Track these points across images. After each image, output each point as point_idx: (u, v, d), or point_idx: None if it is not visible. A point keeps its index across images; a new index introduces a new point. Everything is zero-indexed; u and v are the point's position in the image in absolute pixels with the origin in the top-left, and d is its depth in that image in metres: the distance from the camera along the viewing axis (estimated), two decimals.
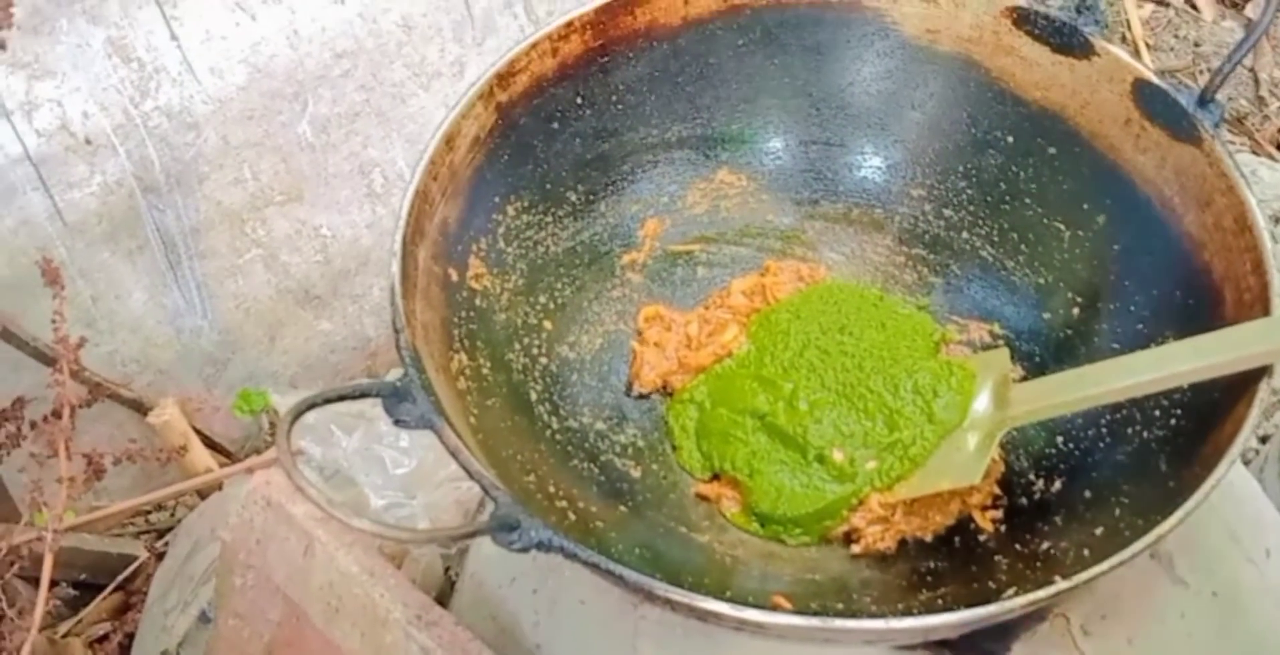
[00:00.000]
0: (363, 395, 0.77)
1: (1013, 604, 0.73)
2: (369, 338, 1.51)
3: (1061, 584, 0.72)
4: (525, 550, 0.72)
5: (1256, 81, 2.04)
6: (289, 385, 1.48)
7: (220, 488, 1.34)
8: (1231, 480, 1.00)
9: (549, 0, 1.46)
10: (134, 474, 1.45)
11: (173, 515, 1.50)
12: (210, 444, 1.46)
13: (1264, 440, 1.48)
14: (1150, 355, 0.85)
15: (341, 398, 0.76)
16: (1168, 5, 2.18)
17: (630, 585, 0.72)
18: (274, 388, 1.46)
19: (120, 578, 1.40)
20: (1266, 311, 0.81)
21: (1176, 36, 2.11)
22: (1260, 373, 0.79)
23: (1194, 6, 2.17)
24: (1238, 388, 0.80)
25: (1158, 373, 0.83)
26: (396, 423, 0.77)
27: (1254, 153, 1.93)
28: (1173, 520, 0.74)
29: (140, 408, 1.40)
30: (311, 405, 0.75)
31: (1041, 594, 0.73)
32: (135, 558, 1.40)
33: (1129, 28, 2.14)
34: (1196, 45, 2.10)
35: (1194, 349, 0.82)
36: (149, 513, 1.50)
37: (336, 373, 1.51)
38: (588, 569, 0.74)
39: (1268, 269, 0.83)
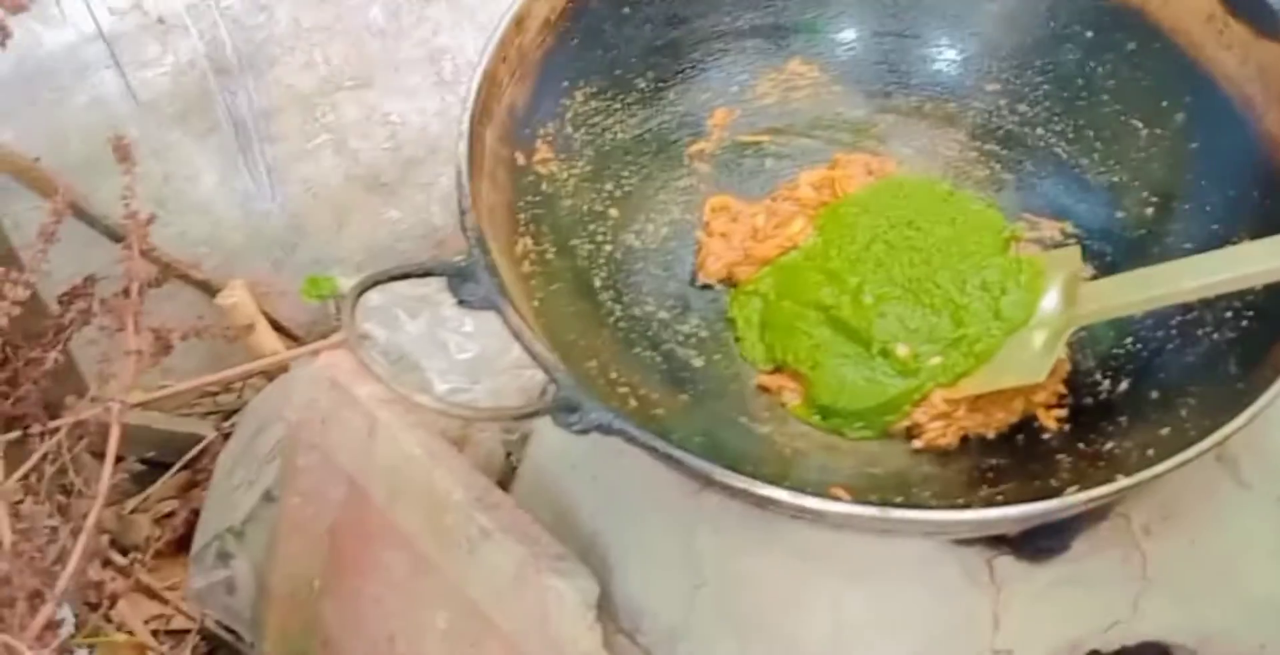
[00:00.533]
0: (427, 274, 0.78)
1: (1074, 499, 0.72)
2: (436, 227, 1.52)
3: (1123, 481, 0.72)
4: (585, 432, 0.73)
5: None
6: (356, 271, 1.49)
7: (287, 370, 1.36)
8: None
9: None
10: (201, 355, 1.47)
11: (240, 397, 1.52)
12: (278, 327, 1.48)
13: None
14: (1222, 255, 0.84)
15: (407, 276, 0.77)
16: None
17: (690, 470, 0.73)
18: (341, 273, 1.47)
19: (187, 457, 1.43)
20: None
21: None
22: None
23: None
24: None
25: (1230, 273, 0.81)
26: (460, 303, 0.78)
27: None
28: (1240, 420, 0.74)
29: (209, 289, 1.41)
30: (376, 282, 0.75)
31: (1103, 490, 0.72)
32: (202, 437, 1.43)
33: None
34: None
35: (1267, 249, 0.80)
36: (216, 394, 1.53)
37: (403, 260, 1.51)
38: (647, 453, 0.74)
39: None
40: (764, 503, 0.74)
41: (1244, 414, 0.74)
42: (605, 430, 0.72)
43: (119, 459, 1.07)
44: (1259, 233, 0.83)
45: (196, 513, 1.32)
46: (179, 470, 1.43)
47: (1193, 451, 0.73)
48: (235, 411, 1.47)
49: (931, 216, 0.98)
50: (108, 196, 1.22)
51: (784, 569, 0.89)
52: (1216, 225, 0.91)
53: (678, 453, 0.72)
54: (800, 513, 0.74)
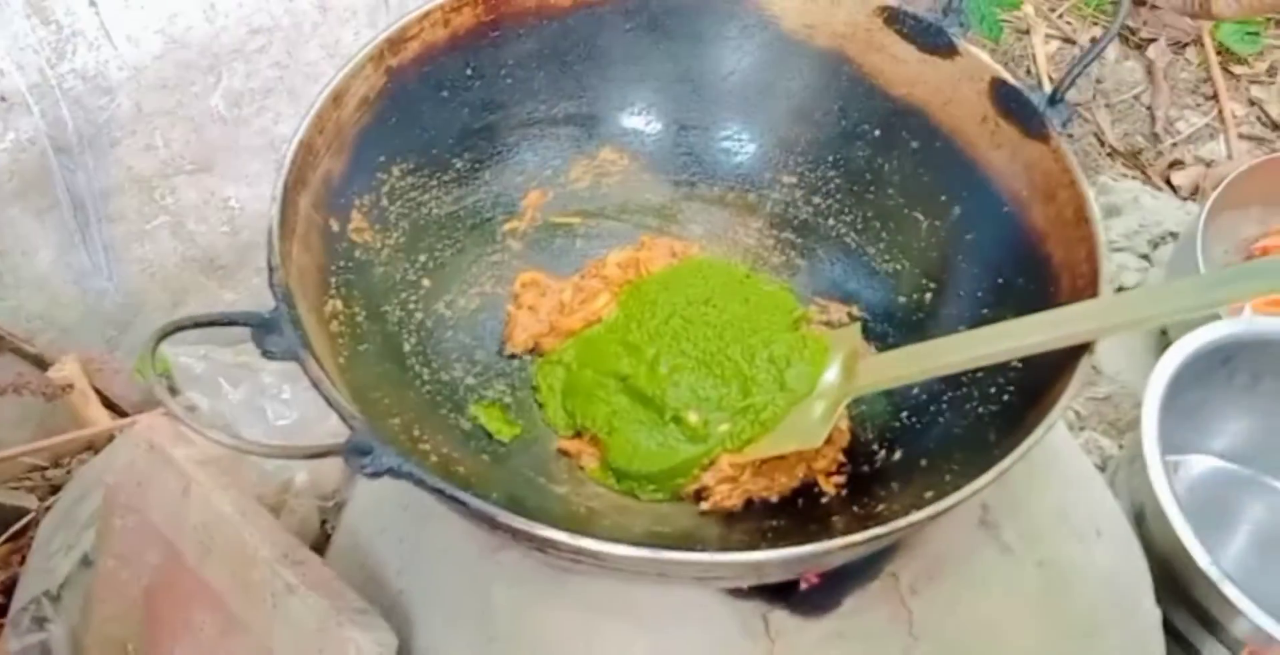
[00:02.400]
0: (231, 322, 0.80)
1: (830, 545, 0.76)
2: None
3: (875, 530, 0.76)
4: (377, 475, 0.75)
5: (1153, 119, 2.11)
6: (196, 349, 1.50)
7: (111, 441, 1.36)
8: (1071, 468, 1.06)
9: None
10: (33, 431, 1.47)
11: (68, 473, 1.52)
12: (109, 405, 1.48)
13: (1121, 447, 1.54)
14: (986, 332, 0.90)
15: (211, 323, 0.79)
16: (1074, 43, 2.25)
17: (472, 511, 0.75)
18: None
19: (12, 529, 1.41)
20: (1095, 295, 0.86)
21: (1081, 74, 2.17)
22: (1083, 349, 0.83)
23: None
24: (1063, 364, 0.84)
25: (987, 348, 0.87)
26: (264, 353, 0.80)
27: (1144, 183, 1.99)
28: (985, 478, 0.78)
29: (41, 363, 1.42)
30: (179, 327, 0.78)
31: (856, 538, 0.76)
32: (28, 510, 1.42)
33: (1035, 62, 2.21)
34: (1098, 82, 2.17)
35: (1021, 327, 0.87)
36: (45, 469, 1.52)
37: (239, 343, 1.53)
38: (437, 499, 0.77)
39: (1099, 257, 0.87)
40: (545, 545, 0.76)
41: (990, 472, 0.78)
42: (395, 473, 0.75)
43: None
44: (1022, 314, 0.89)
45: (12, 586, 1.32)
46: (3, 541, 1.41)
47: (941, 505, 0.77)
48: (63, 486, 1.46)
49: (727, 296, 1.03)
50: None
51: (573, 621, 0.92)
52: (986, 309, 0.97)
53: (462, 495, 0.74)
54: (579, 556, 0.77)
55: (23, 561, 1.35)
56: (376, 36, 0.95)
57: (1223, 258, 1.75)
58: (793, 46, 1.07)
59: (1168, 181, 2.01)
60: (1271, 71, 2.19)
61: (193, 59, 1.33)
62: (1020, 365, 0.90)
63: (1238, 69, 2.19)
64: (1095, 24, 2.32)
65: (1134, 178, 2.02)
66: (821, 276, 1.08)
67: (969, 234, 1.01)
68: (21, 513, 1.41)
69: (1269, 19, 2.30)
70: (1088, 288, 0.87)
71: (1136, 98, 2.15)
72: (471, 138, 1.05)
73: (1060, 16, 2.32)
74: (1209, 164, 2.02)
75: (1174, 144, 2.07)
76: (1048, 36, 2.26)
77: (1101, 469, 1.52)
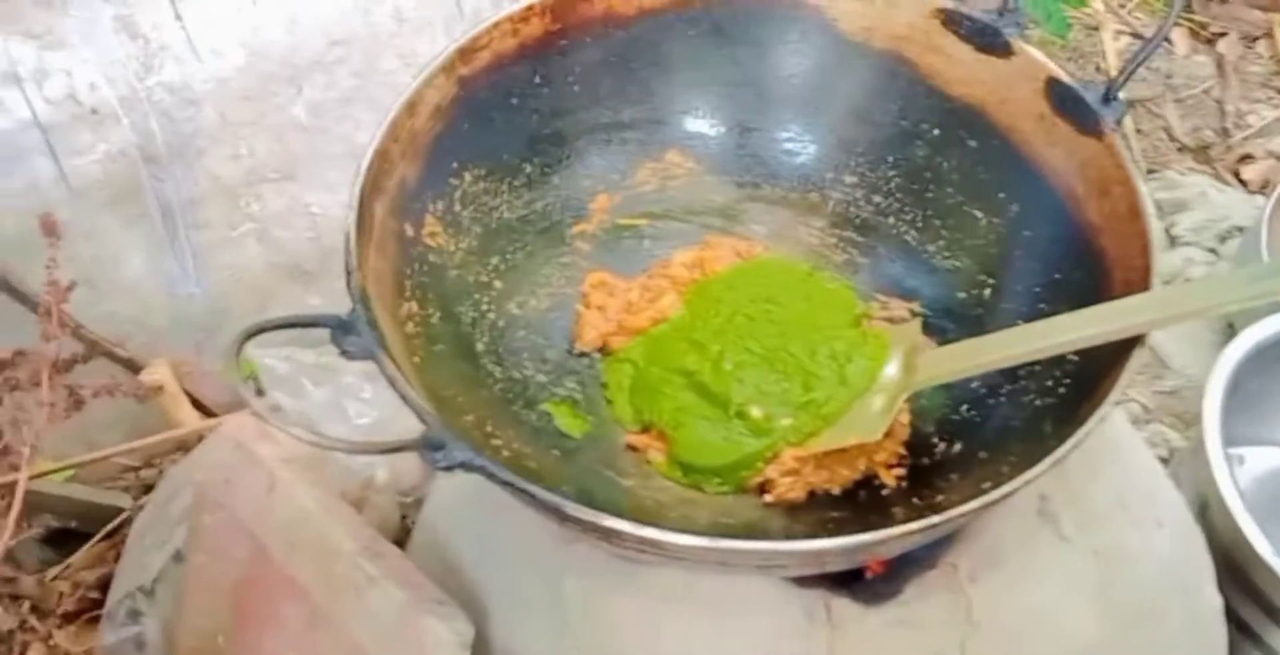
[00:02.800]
0: (313, 324, 0.84)
1: (888, 533, 0.78)
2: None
3: (931, 519, 0.78)
4: (450, 469, 0.78)
5: (1222, 113, 2.10)
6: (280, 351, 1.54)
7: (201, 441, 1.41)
8: (1132, 460, 1.07)
9: None
10: (126, 432, 1.52)
11: (160, 473, 1.57)
12: (199, 406, 1.53)
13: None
14: (1041, 325, 0.91)
15: (291, 325, 0.83)
16: (1143, 38, 2.25)
17: (540, 503, 0.78)
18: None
19: (108, 527, 1.46)
20: (1147, 289, 0.87)
21: (1149, 68, 2.17)
22: (1134, 341, 0.85)
23: (1169, 40, 2.24)
24: (1116, 357, 0.85)
25: (1045, 341, 0.89)
26: (343, 353, 0.84)
27: (1213, 178, 1.99)
28: (1038, 469, 0.80)
29: (133, 367, 1.46)
30: (263, 329, 0.81)
31: (911, 527, 0.78)
32: (123, 509, 1.47)
33: (1104, 58, 2.21)
34: (1168, 77, 2.17)
35: (1076, 320, 0.88)
36: (139, 469, 1.57)
37: (321, 346, 1.57)
38: (508, 492, 0.80)
39: (1152, 252, 0.89)
40: (611, 536, 0.79)
41: (1044, 462, 0.80)
42: (467, 467, 0.78)
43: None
44: (1077, 307, 0.91)
45: (107, 581, 1.37)
46: (100, 540, 1.46)
47: (995, 495, 0.79)
48: (154, 486, 1.51)
49: (790, 294, 1.05)
50: (40, 276, 1.28)
51: (641, 610, 0.95)
52: (1043, 304, 0.98)
53: (531, 487, 0.77)
54: (643, 545, 0.80)
55: (118, 558, 1.40)
56: (448, 47, 0.98)
57: None
58: (852, 49, 1.08)
59: (1237, 176, 2.00)
60: None
61: (274, 70, 1.38)
62: (1076, 358, 0.91)
63: None
64: (1162, 18, 2.31)
65: (1203, 172, 2.02)
66: (882, 274, 1.10)
67: (1026, 230, 1.02)
68: (116, 511, 1.46)
69: None
70: (1140, 282, 0.88)
71: (1206, 92, 2.15)
72: (541, 143, 1.08)
73: (1130, 12, 2.31)
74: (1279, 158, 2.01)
75: (1244, 138, 2.06)
76: (1117, 32, 2.25)
77: (1167, 462, 1.53)
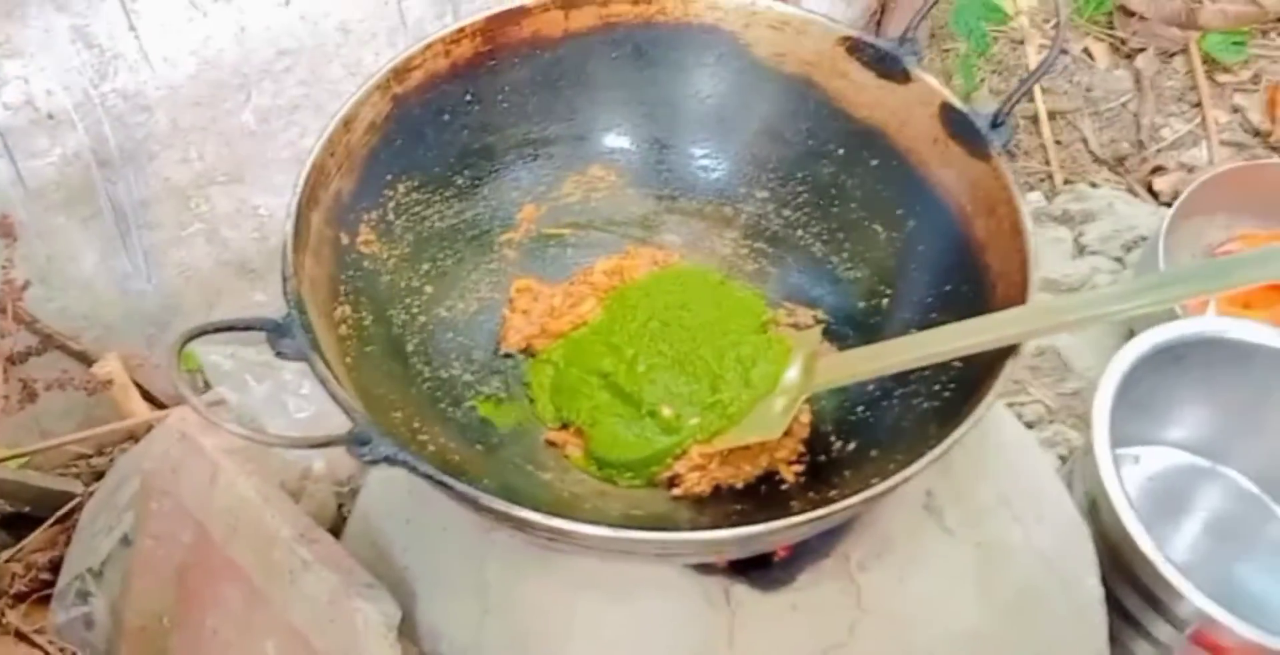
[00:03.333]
0: (249, 327, 0.88)
1: (774, 525, 0.84)
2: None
3: (809, 514, 0.84)
4: (375, 463, 0.83)
5: (1138, 126, 2.17)
6: (223, 349, 1.59)
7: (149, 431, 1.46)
8: (1018, 457, 1.14)
9: (476, 12, 1.58)
10: (79, 422, 1.57)
11: (111, 461, 1.61)
12: (148, 397, 1.58)
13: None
14: (928, 335, 0.98)
15: (230, 327, 0.88)
16: (1065, 53, 2.31)
17: (458, 495, 0.83)
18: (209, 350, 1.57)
19: (60, 512, 1.51)
20: (1024, 301, 0.94)
21: (1070, 81, 2.24)
22: (1010, 350, 0.91)
23: (1090, 54, 2.30)
24: (993, 364, 0.92)
25: (932, 349, 0.95)
26: (278, 354, 0.88)
27: (1128, 189, 2.06)
28: (918, 465, 0.85)
29: (86, 360, 1.51)
30: (202, 332, 0.86)
31: (799, 519, 0.84)
32: (75, 494, 1.51)
33: (1028, 71, 2.27)
34: (1088, 90, 2.23)
35: (961, 330, 0.94)
36: (90, 457, 1.61)
37: (256, 343, 1.62)
38: (430, 484, 0.85)
39: (1029, 267, 0.95)
40: (523, 525, 0.84)
41: (920, 461, 0.86)
42: (391, 461, 0.82)
43: None
44: (963, 317, 0.97)
45: (59, 564, 1.41)
46: (52, 524, 1.50)
47: (875, 490, 0.85)
48: (105, 474, 1.56)
49: (702, 301, 1.11)
50: None
51: (556, 594, 1.01)
52: (934, 313, 1.04)
53: (448, 479, 0.82)
54: (553, 535, 0.85)
55: (69, 541, 1.45)
56: (383, 67, 1.03)
57: (1190, 261, 1.82)
58: (765, 73, 1.14)
59: (1149, 187, 2.07)
60: (1255, 79, 2.24)
61: (224, 78, 1.42)
62: (960, 365, 0.97)
63: (1223, 77, 2.24)
64: (1087, 35, 2.38)
65: (1118, 183, 2.08)
66: (790, 283, 1.15)
67: (920, 245, 1.08)
68: (68, 497, 1.50)
69: (1254, 28, 2.36)
70: (1019, 295, 0.94)
71: (1124, 105, 2.21)
72: (471, 157, 1.13)
73: (1053, 26, 2.38)
74: (1190, 170, 2.08)
75: (1158, 150, 2.13)
76: (1041, 46, 2.32)
77: (1065, 459, 1.60)
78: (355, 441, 0.83)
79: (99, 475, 1.58)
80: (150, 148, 1.41)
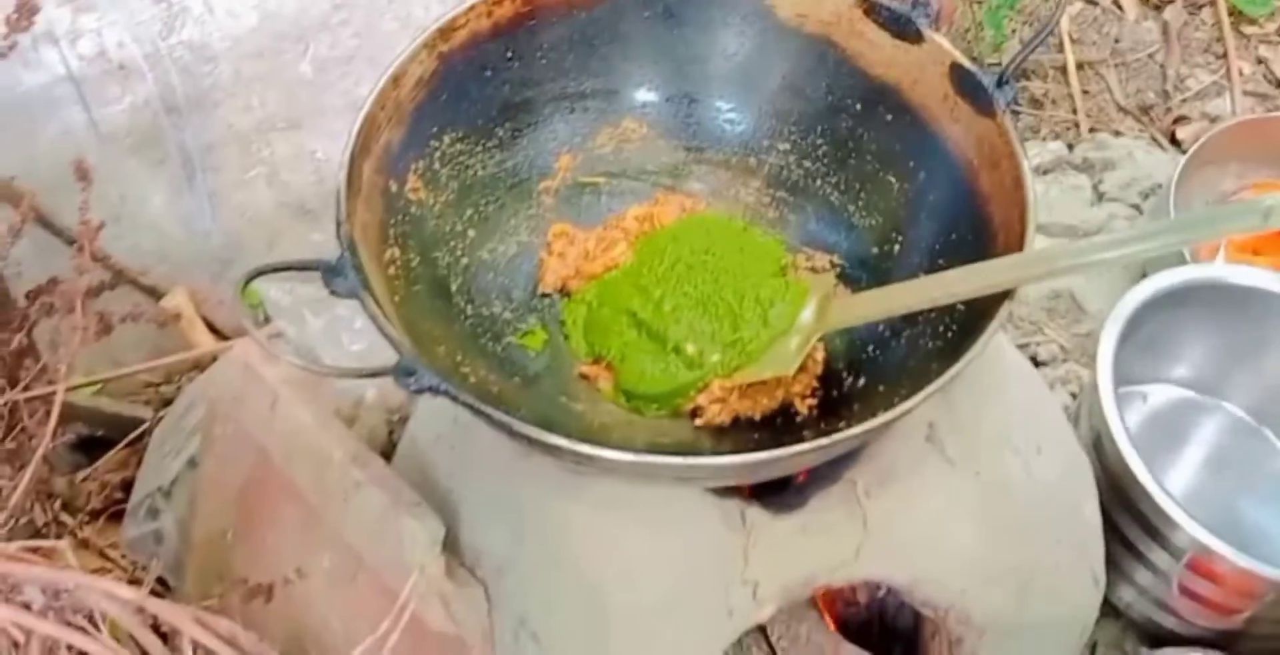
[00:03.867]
0: (305, 268, 0.95)
1: (781, 452, 0.90)
2: None
3: (816, 442, 0.90)
4: (419, 392, 0.89)
5: (1164, 77, 2.20)
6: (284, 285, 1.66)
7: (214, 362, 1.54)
8: (1018, 391, 1.20)
9: None
10: (148, 352, 1.65)
11: (179, 389, 1.69)
12: (213, 330, 1.65)
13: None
14: (932, 279, 1.04)
15: (288, 268, 0.95)
16: (1095, 4, 2.34)
17: (494, 422, 0.90)
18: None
19: (131, 436, 1.59)
20: (1022, 249, 0.99)
21: (1100, 32, 2.26)
22: (1006, 294, 0.96)
23: (1119, 6, 2.33)
24: (991, 307, 0.97)
25: (936, 291, 1.02)
26: (332, 292, 0.95)
27: (1151, 140, 2.09)
28: (916, 399, 0.92)
29: (155, 294, 1.59)
30: (261, 272, 0.94)
31: (804, 447, 0.90)
32: (144, 420, 1.59)
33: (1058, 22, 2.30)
34: (1116, 41, 2.25)
35: (965, 274, 1.00)
36: (159, 385, 1.70)
37: (313, 280, 1.69)
38: (469, 412, 0.92)
39: (1029, 218, 1.00)
40: (553, 451, 0.91)
41: (917, 396, 0.92)
42: (434, 391, 0.89)
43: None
44: (967, 263, 1.03)
45: (130, 484, 1.50)
46: (124, 447, 1.59)
47: (876, 422, 0.91)
48: (172, 400, 1.64)
49: (726, 246, 1.17)
50: (72, 213, 1.39)
51: (586, 516, 1.08)
52: (941, 259, 1.09)
53: (485, 407, 0.90)
54: (580, 459, 0.92)
55: (139, 463, 1.53)
56: (428, 27, 1.09)
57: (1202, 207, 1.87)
58: (787, 32, 1.19)
59: (1172, 137, 2.10)
60: None
61: (284, 30, 1.48)
62: (963, 308, 1.03)
63: (1248, 29, 2.26)
64: None
65: (1140, 134, 2.11)
66: (808, 229, 1.21)
67: (930, 195, 1.13)
68: (138, 422, 1.58)
69: None
70: (1017, 244, 0.99)
71: (1151, 56, 2.23)
72: (511, 110, 1.18)
73: None
74: (1213, 120, 2.11)
75: (1183, 100, 2.15)
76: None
77: (1076, 396, 1.66)
78: (402, 372, 0.90)
79: (167, 402, 1.65)
80: (215, 96, 1.48)
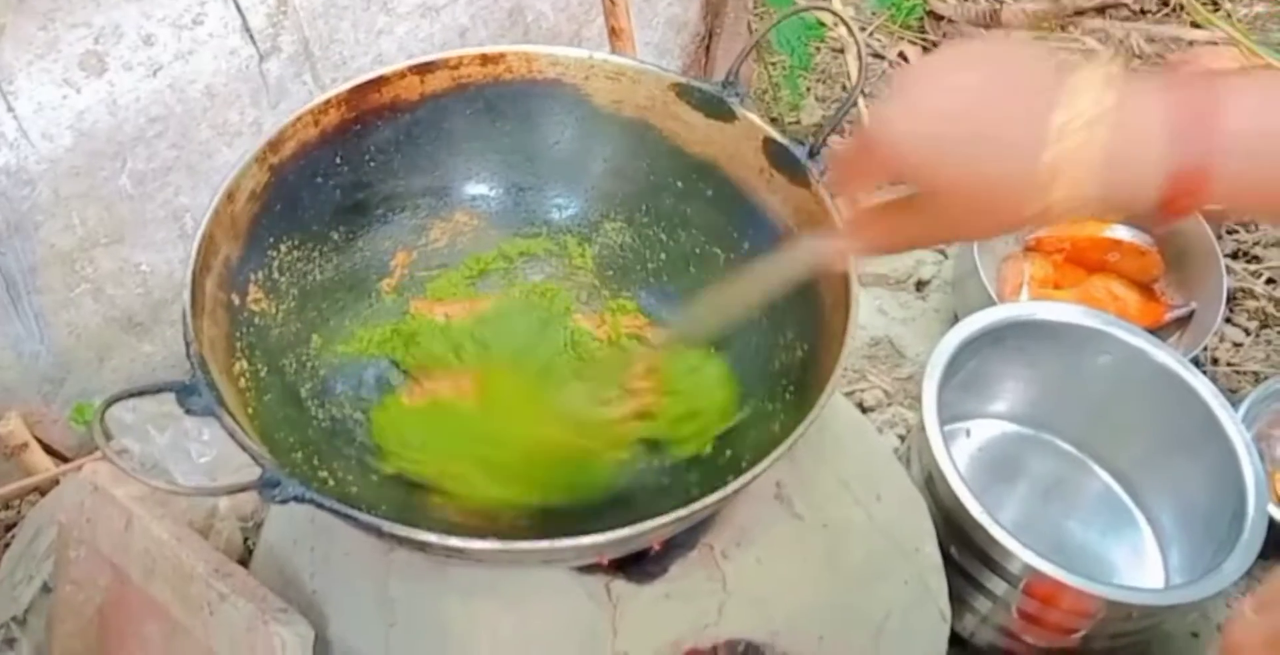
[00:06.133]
0: (159, 391, 0.96)
1: (645, 526, 0.92)
2: (185, 358, 1.69)
3: (676, 512, 0.93)
4: (285, 502, 0.90)
5: None
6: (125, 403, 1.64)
7: (58, 484, 1.52)
8: (855, 443, 1.25)
9: (333, 68, 1.66)
10: None
11: (18, 513, 1.66)
12: (50, 450, 1.63)
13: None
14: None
15: (143, 392, 0.95)
16: (882, 58, 2.46)
17: (362, 524, 0.92)
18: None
19: None
20: (849, 306, 1.03)
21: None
22: (838, 358, 1.01)
23: (905, 59, 2.44)
24: (827, 369, 1.02)
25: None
26: (188, 412, 0.96)
27: None
28: (764, 464, 0.95)
29: None
30: (118, 398, 0.94)
31: (664, 519, 0.93)
32: None
33: (849, 78, 2.39)
34: None
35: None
36: None
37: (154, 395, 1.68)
38: (335, 517, 0.94)
39: (851, 275, 1.05)
40: (423, 546, 0.93)
41: (762, 463, 0.95)
42: (300, 499, 0.90)
43: None
44: (803, 330, 1.11)
45: None
46: None
47: (728, 490, 0.94)
48: (14, 525, 1.61)
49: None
50: None
51: (455, 605, 1.09)
52: (773, 320, 1.16)
53: (354, 513, 0.91)
54: (450, 552, 0.94)
55: None
56: (259, 141, 1.11)
57: (1003, 248, 1.96)
58: (605, 118, 1.24)
59: None
60: None
61: (100, 148, 1.48)
62: (800, 371, 1.09)
63: None
64: (901, 39, 2.52)
65: None
66: (643, 305, 1.27)
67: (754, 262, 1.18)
68: None
69: (1054, 23, 2.52)
70: (844, 299, 1.04)
71: None
72: (344, 213, 1.21)
73: (871, 34, 2.52)
74: None
75: None
76: (859, 54, 2.44)
77: (904, 438, 1.73)
78: (266, 485, 0.91)
79: (8, 527, 1.63)
80: (35, 218, 1.46)
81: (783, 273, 0.98)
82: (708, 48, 2.24)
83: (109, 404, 0.94)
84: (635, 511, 1.06)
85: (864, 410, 1.81)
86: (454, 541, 0.92)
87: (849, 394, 1.81)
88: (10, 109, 1.39)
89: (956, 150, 0.74)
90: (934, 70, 0.77)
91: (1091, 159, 0.71)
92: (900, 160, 0.76)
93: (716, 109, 1.19)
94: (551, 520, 1.10)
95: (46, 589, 1.35)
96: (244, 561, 1.27)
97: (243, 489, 0.92)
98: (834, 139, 1.19)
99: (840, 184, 0.85)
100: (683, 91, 1.20)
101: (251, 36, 1.55)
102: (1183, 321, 1.89)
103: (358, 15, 1.65)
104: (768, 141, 1.16)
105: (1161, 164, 0.71)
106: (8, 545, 1.53)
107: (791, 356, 1.13)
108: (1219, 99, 0.71)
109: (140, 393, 0.96)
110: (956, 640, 1.50)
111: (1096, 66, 0.73)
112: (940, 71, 0.77)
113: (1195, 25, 2.55)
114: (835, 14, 1.23)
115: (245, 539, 1.40)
